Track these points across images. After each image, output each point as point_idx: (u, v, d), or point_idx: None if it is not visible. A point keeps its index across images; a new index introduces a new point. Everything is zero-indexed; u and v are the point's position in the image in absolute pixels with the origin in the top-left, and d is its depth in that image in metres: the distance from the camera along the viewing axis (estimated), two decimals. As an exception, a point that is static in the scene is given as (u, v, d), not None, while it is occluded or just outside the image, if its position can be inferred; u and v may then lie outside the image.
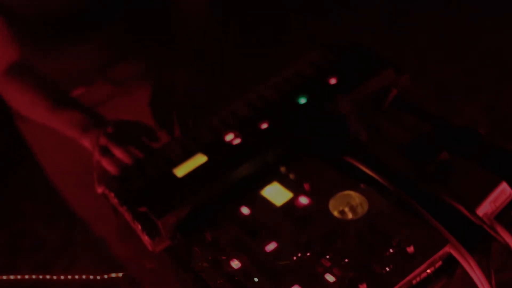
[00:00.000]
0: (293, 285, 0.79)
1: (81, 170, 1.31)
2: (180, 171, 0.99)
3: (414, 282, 0.78)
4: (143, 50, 1.34)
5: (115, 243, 1.52)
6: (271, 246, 0.85)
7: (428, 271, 0.79)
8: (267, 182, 0.95)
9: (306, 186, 0.92)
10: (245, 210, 0.92)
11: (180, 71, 1.31)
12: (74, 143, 1.24)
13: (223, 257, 0.86)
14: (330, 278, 0.79)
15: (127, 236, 1.01)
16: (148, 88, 1.30)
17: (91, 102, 1.27)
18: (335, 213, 0.87)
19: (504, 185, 0.86)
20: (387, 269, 0.78)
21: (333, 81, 1.06)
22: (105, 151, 1.09)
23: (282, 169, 0.96)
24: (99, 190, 1.04)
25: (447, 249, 0.79)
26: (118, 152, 1.07)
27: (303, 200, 0.90)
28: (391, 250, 0.80)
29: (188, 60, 1.34)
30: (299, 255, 0.83)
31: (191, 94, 1.29)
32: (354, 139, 0.98)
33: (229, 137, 1.03)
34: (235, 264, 0.84)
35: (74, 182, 1.43)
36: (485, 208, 0.84)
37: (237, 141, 1.02)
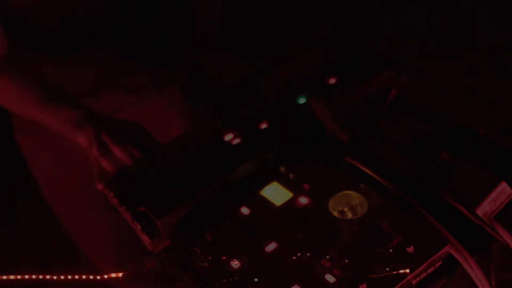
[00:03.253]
0: (293, 285, 0.79)
1: (78, 189, 1.31)
2: (180, 171, 0.99)
3: (414, 282, 0.78)
4: (158, 58, 1.30)
5: (104, 261, 1.49)
6: (271, 246, 0.85)
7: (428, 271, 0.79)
8: (267, 182, 0.95)
9: (306, 186, 0.92)
10: (245, 210, 0.91)
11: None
12: (72, 160, 1.21)
13: (223, 257, 0.85)
14: (330, 278, 0.79)
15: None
16: (164, 97, 1.27)
17: (103, 110, 1.20)
18: (335, 213, 0.87)
19: (503, 185, 0.86)
20: (387, 269, 0.78)
21: (333, 81, 1.06)
22: (104, 149, 1.06)
23: (282, 169, 0.96)
24: (99, 187, 1.03)
25: (447, 249, 0.79)
26: (117, 151, 1.05)
27: (303, 200, 0.90)
28: (391, 250, 0.80)
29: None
30: (299, 255, 0.83)
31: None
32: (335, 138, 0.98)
33: (228, 137, 1.03)
34: (235, 264, 0.84)
35: (69, 200, 1.41)
36: (485, 208, 0.84)
37: (237, 141, 1.02)
